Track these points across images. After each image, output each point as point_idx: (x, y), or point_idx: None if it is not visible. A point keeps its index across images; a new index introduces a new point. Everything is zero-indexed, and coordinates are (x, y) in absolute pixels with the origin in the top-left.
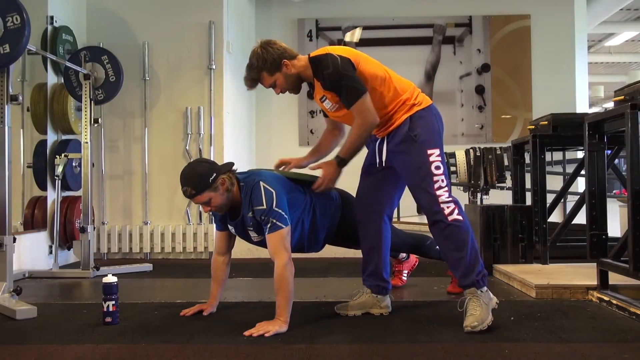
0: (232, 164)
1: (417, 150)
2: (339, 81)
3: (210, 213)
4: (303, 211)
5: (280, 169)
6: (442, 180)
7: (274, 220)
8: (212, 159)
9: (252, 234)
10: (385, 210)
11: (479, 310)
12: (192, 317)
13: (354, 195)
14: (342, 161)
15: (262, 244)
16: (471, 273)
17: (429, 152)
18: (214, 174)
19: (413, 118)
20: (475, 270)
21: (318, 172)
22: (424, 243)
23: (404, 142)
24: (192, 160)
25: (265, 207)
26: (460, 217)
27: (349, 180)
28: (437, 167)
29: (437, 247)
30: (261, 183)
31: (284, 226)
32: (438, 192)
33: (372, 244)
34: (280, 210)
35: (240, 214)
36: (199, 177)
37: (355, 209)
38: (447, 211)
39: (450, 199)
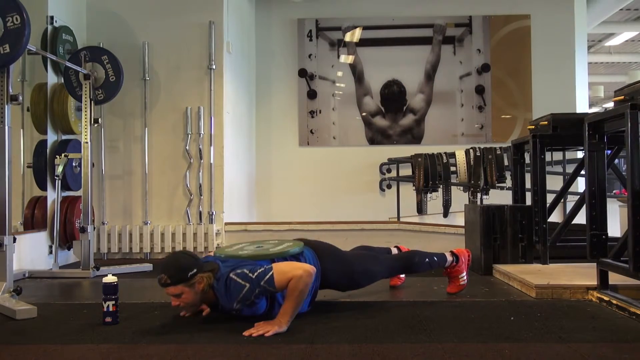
0: (217, 265)
1: None
2: None
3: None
4: None
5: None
6: None
7: (264, 280)
8: (212, 159)
9: (235, 313)
10: None
11: None
12: (192, 317)
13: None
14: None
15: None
16: None
17: None
18: (194, 270)
19: None
20: None
21: None
22: (412, 262)
23: None
24: (177, 251)
25: (248, 285)
26: None
27: (349, 181)
28: None
29: (427, 259)
30: (231, 275)
31: (270, 271)
32: None
33: None
34: (259, 272)
35: (219, 305)
36: (178, 269)
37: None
38: None
39: None
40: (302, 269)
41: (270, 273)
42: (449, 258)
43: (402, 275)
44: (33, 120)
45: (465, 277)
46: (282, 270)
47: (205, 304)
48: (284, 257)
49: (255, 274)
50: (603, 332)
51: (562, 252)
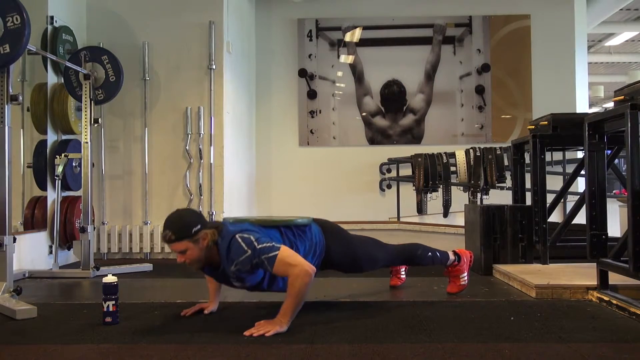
0: (219, 222)
1: None
2: None
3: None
4: None
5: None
6: None
7: (267, 255)
8: (212, 159)
9: (236, 283)
10: None
11: None
12: (192, 317)
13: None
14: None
15: (246, 289)
16: None
17: None
18: (199, 226)
19: None
20: None
21: None
22: (415, 253)
23: None
24: (181, 208)
25: (249, 252)
26: None
27: (349, 181)
28: None
29: (429, 253)
30: (237, 236)
31: (277, 251)
32: None
33: None
34: (265, 244)
35: (221, 267)
36: (182, 225)
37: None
38: None
39: None
40: (301, 267)
41: (275, 253)
42: (452, 257)
43: (403, 276)
44: (33, 120)
45: (466, 278)
46: (286, 260)
47: (209, 263)
48: (290, 225)
49: (261, 245)
50: (603, 332)
51: (562, 252)
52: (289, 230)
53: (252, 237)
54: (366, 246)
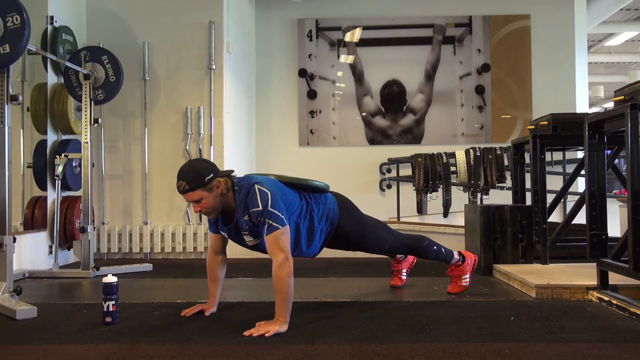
0: (231, 170)
1: None
2: None
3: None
4: (299, 216)
5: None
6: None
7: (270, 221)
8: (212, 159)
9: (247, 238)
10: None
11: None
12: (192, 317)
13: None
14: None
15: (257, 248)
16: None
17: None
18: (211, 175)
19: None
20: None
21: None
22: (421, 244)
23: None
24: (192, 159)
25: (260, 208)
26: None
27: (349, 181)
28: None
29: (435, 247)
30: (256, 186)
31: (280, 227)
32: None
33: None
34: (275, 211)
35: (234, 219)
36: (195, 174)
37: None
38: None
39: None
40: (286, 256)
41: (277, 226)
42: (456, 256)
43: (404, 277)
44: (33, 120)
45: (468, 279)
46: (279, 240)
47: (224, 211)
48: (307, 185)
49: (272, 209)
50: (603, 332)
51: (562, 252)
52: (306, 192)
53: (269, 195)
54: (375, 226)
